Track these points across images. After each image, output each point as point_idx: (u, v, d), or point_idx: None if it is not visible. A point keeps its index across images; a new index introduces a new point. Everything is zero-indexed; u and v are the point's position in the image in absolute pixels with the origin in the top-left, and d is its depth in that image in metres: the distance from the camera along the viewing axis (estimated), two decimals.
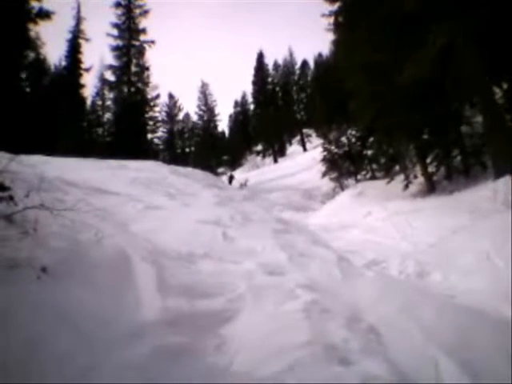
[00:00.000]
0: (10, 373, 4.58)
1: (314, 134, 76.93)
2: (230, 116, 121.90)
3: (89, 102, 68.09)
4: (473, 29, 17.24)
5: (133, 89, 60.14)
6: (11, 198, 7.57)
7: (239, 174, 73.42)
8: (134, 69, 60.49)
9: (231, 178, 50.99)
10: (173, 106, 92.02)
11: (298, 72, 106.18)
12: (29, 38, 35.43)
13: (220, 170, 71.91)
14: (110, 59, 61.10)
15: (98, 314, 6.05)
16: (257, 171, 73.40)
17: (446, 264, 10.54)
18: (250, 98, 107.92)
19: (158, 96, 64.64)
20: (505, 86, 22.92)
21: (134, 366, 5.12)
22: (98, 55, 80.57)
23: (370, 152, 34.49)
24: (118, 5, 59.70)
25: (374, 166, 35.39)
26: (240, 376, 5.13)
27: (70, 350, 5.15)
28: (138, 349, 5.45)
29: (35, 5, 17.76)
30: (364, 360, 5.38)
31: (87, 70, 58.56)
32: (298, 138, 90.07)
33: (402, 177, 26.55)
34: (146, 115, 62.32)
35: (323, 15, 30.64)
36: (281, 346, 5.64)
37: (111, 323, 5.94)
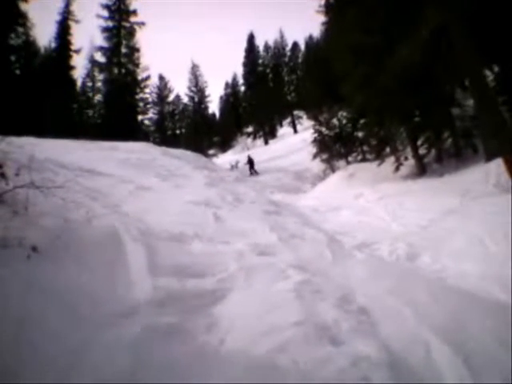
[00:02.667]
0: (1, 355, 4.58)
1: (304, 116, 76.75)
2: (221, 98, 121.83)
3: (79, 83, 67.91)
4: (464, 11, 17.22)
5: (123, 70, 60.04)
6: (2, 175, 7.56)
7: (230, 156, 73.46)
8: (124, 50, 60.34)
9: (251, 162, 46.83)
10: (163, 87, 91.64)
11: (288, 54, 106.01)
12: (19, 15, 35.28)
13: (211, 151, 71.69)
14: (100, 41, 61.02)
15: (89, 294, 6.06)
16: (247, 153, 73.45)
17: (437, 246, 10.53)
18: (240, 80, 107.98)
19: (148, 77, 64.61)
20: (496, 68, 22.95)
21: (125, 345, 5.12)
22: (88, 37, 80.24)
23: (360, 134, 34.43)
24: None
25: (365, 148, 35.38)
26: (231, 355, 5.14)
27: (60, 329, 5.17)
28: (129, 328, 5.45)
29: None
30: (355, 340, 5.39)
31: (77, 51, 58.34)
32: (289, 119, 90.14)
33: (392, 159, 26.54)
34: (137, 97, 62.25)
35: None
36: (272, 325, 5.65)
37: (102, 302, 5.94)
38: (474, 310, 6.40)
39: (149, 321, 5.67)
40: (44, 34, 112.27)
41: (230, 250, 8.85)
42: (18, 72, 49.20)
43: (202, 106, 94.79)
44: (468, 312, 6.32)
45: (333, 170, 37.15)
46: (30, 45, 53.06)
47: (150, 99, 75.38)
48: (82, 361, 4.75)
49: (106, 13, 59.62)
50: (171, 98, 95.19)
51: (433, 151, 24.78)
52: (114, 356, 4.88)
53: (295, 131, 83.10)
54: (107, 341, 5.15)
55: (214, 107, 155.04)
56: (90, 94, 69.83)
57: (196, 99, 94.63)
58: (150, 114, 75.32)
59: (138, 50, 61.18)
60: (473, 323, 5.90)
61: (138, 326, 5.52)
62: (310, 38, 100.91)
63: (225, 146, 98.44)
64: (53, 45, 58.97)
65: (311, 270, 7.99)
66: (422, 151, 24.76)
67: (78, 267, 6.63)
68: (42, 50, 61.74)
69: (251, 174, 43.16)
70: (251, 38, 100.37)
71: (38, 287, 5.75)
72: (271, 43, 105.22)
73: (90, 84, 70.79)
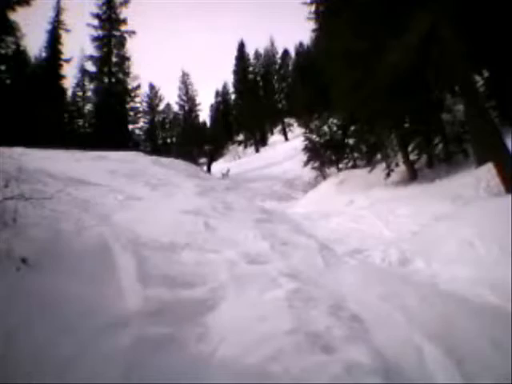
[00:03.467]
0: None
1: (295, 124, 76.95)
2: (211, 106, 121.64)
3: (69, 93, 67.85)
4: (454, 15, 17.25)
5: (113, 79, 59.94)
6: None
7: (221, 164, 73.42)
8: (114, 59, 60.24)
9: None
10: (154, 96, 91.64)
11: (279, 61, 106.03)
12: (8, 24, 35.24)
13: (202, 160, 71.74)
14: (91, 50, 60.87)
15: (79, 305, 6.02)
16: (238, 161, 73.37)
17: (429, 252, 10.56)
18: (231, 88, 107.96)
19: (138, 86, 64.44)
20: (486, 73, 23.03)
21: (116, 355, 5.10)
22: (79, 46, 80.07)
23: (351, 141, 34.43)
24: None
25: (356, 155, 35.42)
26: (224, 364, 5.12)
27: (51, 341, 5.13)
28: (120, 339, 5.42)
29: None
30: (347, 348, 5.39)
31: (67, 60, 58.23)
32: (280, 127, 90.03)
33: (383, 165, 26.58)
34: (127, 106, 62.19)
35: (304, 3, 30.60)
36: (264, 334, 5.63)
37: (92, 314, 5.91)
38: (466, 314, 6.44)
39: (140, 331, 5.65)
40: (34, 44, 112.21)
41: (221, 259, 8.83)
42: (8, 81, 49.16)
43: (193, 114, 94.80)
44: (460, 316, 6.35)
45: (324, 177, 37.18)
46: (20, 54, 53.02)
47: (141, 108, 75.38)
48: (71, 372, 4.72)
49: (96, 22, 59.54)
50: (162, 106, 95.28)
51: (424, 157, 24.85)
52: (104, 367, 4.86)
53: (286, 139, 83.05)
54: (98, 352, 5.11)
55: (204, 115, 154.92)
56: (81, 104, 69.72)
57: (186, 108, 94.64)
58: (141, 123, 75.56)
59: (128, 59, 61.14)
60: (465, 327, 5.94)
61: (128, 336, 5.50)
62: (301, 45, 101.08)
63: (216, 154, 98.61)
64: (43, 54, 58.89)
65: (303, 278, 7.99)
66: (412, 157, 24.82)
67: (68, 278, 6.59)
68: (33, 60, 61.63)
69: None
70: (241, 46, 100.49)
71: (27, 299, 5.72)
72: (262, 51, 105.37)
73: (80, 93, 70.68)
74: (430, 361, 5.14)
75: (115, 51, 60.14)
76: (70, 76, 70.93)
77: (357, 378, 4.76)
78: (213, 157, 37.77)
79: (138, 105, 69.71)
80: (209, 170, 34.74)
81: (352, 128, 32.03)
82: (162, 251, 8.91)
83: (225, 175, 44.56)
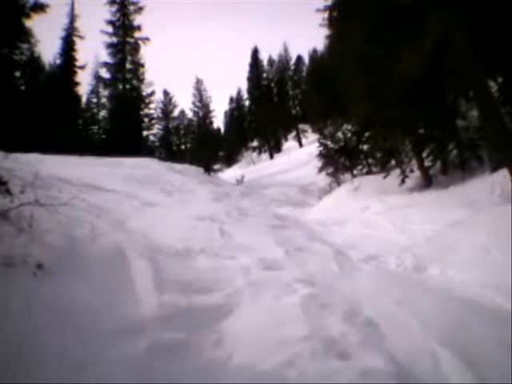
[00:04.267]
0: (6, 369, 4.57)
1: (309, 130, 76.63)
2: (226, 112, 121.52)
3: (84, 99, 67.93)
4: (468, 21, 17.20)
5: (128, 86, 59.88)
6: (8, 191, 7.58)
7: (235, 171, 73.33)
8: (128, 66, 60.15)
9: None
10: (168, 102, 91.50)
11: (292, 68, 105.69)
12: (23, 32, 35.33)
13: (216, 166, 71.62)
14: (105, 56, 60.88)
15: (94, 310, 6.05)
16: (253, 167, 73.20)
17: (444, 257, 10.50)
18: (245, 94, 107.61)
19: (152, 93, 64.25)
20: (500, 79, 22.91)
21: (131, 362, 5.11)
22: (93, 53, 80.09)
23: (365, 147, 34.19)
24: (112, 2, 59.10)
25: (370, 161, 35.17)
26: (239, 371, 5.12)
27: (66, 346, 5.16)
28: (135, 345, 5.44)
29: None
30: (362, 353, 5.38)
31: (82, 67, 58.33)
32: (294, 133, 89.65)
33: (398, 171, 26.40)
34: (141, 112, 62.04)
35: (318, 10, 30.47)
36: (279, 340, 5.63)
37: (107, 319, 5.93)
38: (480, 320, 6.39)
39: (155, 337, 5.66)
40: (49, 50, 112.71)
41: (236, 265, 8.85)
42: (22, 88, 49.30)
43: (207, 120, 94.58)
44: (475, 322, 6.31)
45: (338, 183, 36.93)
46: (34, 61, 53.22)
47: (155, 114, 75.17)
48: (86, 377, 4.73)
49: (110, 29, 59.41)
50: (176, 113, 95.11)
51: (438, 163, 24.72)
52: (119, 373, 4.87)
53: (300, 145, 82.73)
54: (112, 357, 5.13)
55: (218, 122, 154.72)
56: (95, 110, 69.87)
57: (201, 114, 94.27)
58: (155, 130, 75.32)
59: (142, 66, 61.04)
60: (480, 333, 5.90)
61: (144, 342, 5.52)
62: (314, 51, 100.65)
63: (230, 160, 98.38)
64: (57, 61, 58.97)
65: (318, 284, 7.98)
66: (427, 163, 24.67)
67: (84, 284, 6.63)
68: (47, 66, 61.77)
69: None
70: (255, 53, 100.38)
71: (43, 305, 5.75)
72: (275, 57, 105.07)
73: (94, 100, 70.82)
74: (445, 366, 5.12)
75: (129, 58, 60.05)
76: (84, 83, 71.27)
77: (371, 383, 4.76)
78: (210, 163, 34.98)
79: (153, 111, 69.45)
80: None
81: (366, 134, 31.86)
82: (177, 257, 8.94)
83: (239, 181, 44.44)
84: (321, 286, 7.91)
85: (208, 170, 33.43)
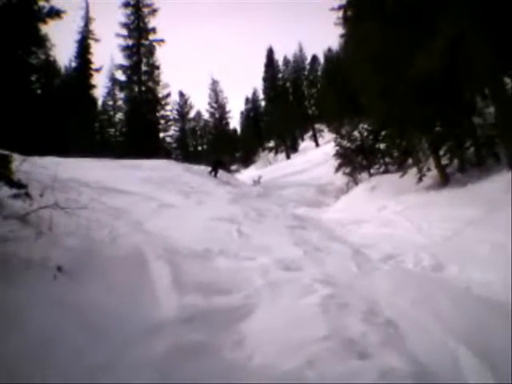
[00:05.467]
0: (27, 370, 4.61)
1: (325, 129, 76.36)
2: (242, 113, 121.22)
3: (100, 102, 68.11)
4: (482, 19, 17.14)
5: (143, 88, 59.98)
6: (27, 194, 7.64)
7: (252, 171, 73.22)
8: (144, 68, 60.26)
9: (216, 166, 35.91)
10: (184, 104, 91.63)
11: (308, 67, 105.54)
12: (39, 37, 35.44)
13: (233, 167, 71.48)
14: (120, 59, 60.89)
15: (114, 312, 6.08)
16: (270, 168, 72.99)
17: (462, 256, 10.48)
18: (260, 95, 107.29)
19: (168, 94, 64.25)
20: None
21: (151, 363, 5.14)
22: (108, 55, 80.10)
23: (382, 146, 34.09)
24: (126, 4, 59.37)
25: (387, 160, 35.12)
26: (260, 371, 5.14)
27: (86, 348, 5.20)
28: (155, 346, 5.47)
29: (45, 5, 17.58)
30: (382, 353, 5.38)
31: (97, 70, 58.45)
32: (310, 133, 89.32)
33: (415, 170, 26.29)
34: (158, 114, 62.07)
35: (332, 9, 30.47)
36: (299, 340, 5.64)
37: (127, 321, 5.97)
38: (499, 319, 6.38)
39: (175, 338, 5.69)
40: (64, 54, 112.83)
41: (255, 266, 8.86)
42: (38, 92, 49.49)
43: (223, 121, 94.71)
44: (494, 321, 6.30)
45: (356, 182, 36.85)
46: (50, 64, 53.41)
47: (171, 116, 75.21)
48: (107, 379, 4.77)
49: (125, 31, 59.53)
50: (192, 114, 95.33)
51: (455, 161, 24.61)
52: (140, 374, 4.90)
53: (317, 145, 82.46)
54: (133, 359, 5.17)
55: (234, 123, 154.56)
56: (112, 113, 70.00)
57: (217, 115, 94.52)
58: (172, 131, 75.47)
59: (158, 68, 61.09)
60: (499, 332, 5.88)
61: (164, 343, 5.54)
62: (329, 50, 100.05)
63: (247, 161, 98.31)
64: (73, 64, 59.12)
65: (337, 284, 7.99)
66: (444, 161, 24.57)
67: (103, 286, 6.67)
68: (63, 70, 62.04)
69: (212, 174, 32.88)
70: (270, 53, 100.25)
71: (63, 307, 5.80)
72: (290, 57, 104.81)
73: (110, 102, 70.97)
74: (464, 366, 5.12)
75: (144, 60, 60.13)
76: (100, 85, 71.35)
77: (392, 383, 4.77)
78: (218, 165, 32.23)
79: (169, 113, 69.47)
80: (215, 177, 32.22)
81: (383, 133, 31.79)
82: (196, 258, 8.97)
83: (256, 182, 44.32)
84: (340, 286, 7.92)
85: (215, 170, 29.94)
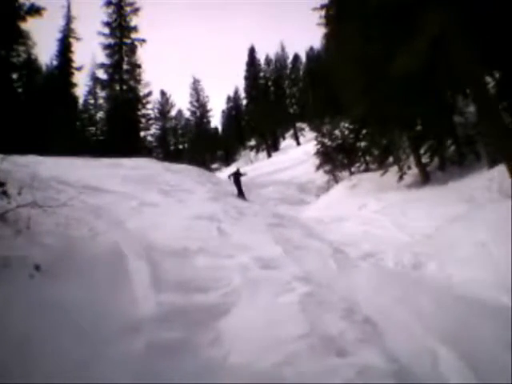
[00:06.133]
0: (6, 370, 4.58)
1: (307, 128, 76.55)
2: (223, 111, 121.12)
3: (81, 101, 67.82)
4: (463, 18, 17.18)
5: (125, 87, 59.73)
6: (5, 193, 7.58)
7: (233, 170, 73.19)
8: (125, 67, 60.00)
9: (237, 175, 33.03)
10: (165, 102, 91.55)
11: (289, 66, 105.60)
12: (19, 35, 35.27)
13: (214, 165, 71.49)
14: (102, 58, 60.68)
15: (93, 311, 6.04)
16: (251, 166, 73.04)
17: (443, 254, 10.50)
18: (242, 93, 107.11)
19: (150, 93, 64.05)
20: (497, 75, 22.90)
21: (130, 360, 5.11)
22: (90, 54, 79.92)
23: (363, 144, 34.24)
24: (108, 3, 59.01)
25: (368, 158, 35.26)
26: (237, 369, 5.12)
27: (64, 345, 5.16)
28: (134, 344, 5.45)
29: (25, 2, 17.61)
30: (361, 351, 5.39)
31: (79, 69, 58.14)
32: (292, 132, 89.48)
33: (396, 168, 26.43)
34: (139, 113, 61.87)
35: (314, 9, 30.46)
36: (277, 338, 5.63)
37: (106, 319, 5.93)
38: (480, 317, 6.40)
39: (153, 336, 5.66)
40: (45, 52, 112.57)
41: (234, 264, 8.85)
42: (20, 90, 49.28)
43: (204, 120, 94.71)
44: (475, 319, 6.32)
45: (336, 181, 36.95)
46: (31, 63, 53.17)
47: (152, 115, 75.00)
48: (86, 376, 4.73)
49: (106, 30, 59.22)
50: (173, 113, 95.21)
51: (436, 159, 24.70)
52: (118, 371, 4.87)
53: (298, 143, 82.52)
54: (111, 356, 5.14)
55: (216, 121, 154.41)
56: (93, 111, 69.72)
57: (198, 114, 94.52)
58: (153, 130, 75.25)
59: (139, 67, 60.86)
60: (480, 330, 5.90)
61: (142, 341, 5.52)
62: (311, 49, 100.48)
63: (228, 159, 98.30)
64: (54, 62, 58.82)
65: (316, 282, 7.99)
66: (425, 160, 24.65)
67: (82, 284, 6.62)
68: (44, 68, 61.75)
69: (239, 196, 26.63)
70: (252, 52, 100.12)
71: (41, 305, 5.75)
72: (272, 56, 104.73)
73: (92, 101, 70.71)
74: (444, 364, 5.12)
75: (126, 59, 59.87)
76: (81, 84, 71.10)
77: (370, 381, 4.76)
78: (238, 176, 30.35)
79: (150, 111, 69.32)
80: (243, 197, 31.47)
81: (364, 131, 31.88)
82: (175, 256, 8.94)
83: (230, 177, 44.20)
84: (319, 283, 7.93)
85: (239, 188, 26.20)
